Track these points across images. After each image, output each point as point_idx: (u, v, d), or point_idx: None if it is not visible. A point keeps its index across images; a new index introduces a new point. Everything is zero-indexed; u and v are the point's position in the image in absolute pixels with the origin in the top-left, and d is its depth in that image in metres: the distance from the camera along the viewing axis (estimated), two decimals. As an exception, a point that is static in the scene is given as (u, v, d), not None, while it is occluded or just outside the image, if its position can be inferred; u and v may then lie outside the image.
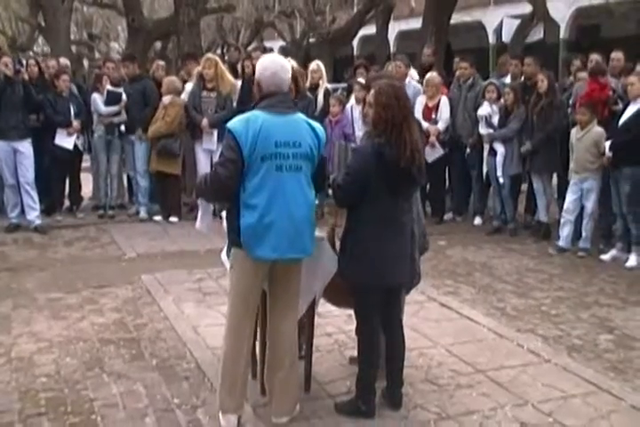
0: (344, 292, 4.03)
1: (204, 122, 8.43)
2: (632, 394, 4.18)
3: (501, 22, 18.93)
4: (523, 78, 8.49)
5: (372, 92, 3.76)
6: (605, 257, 7.11)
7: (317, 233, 4.11)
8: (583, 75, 8.10)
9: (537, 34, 18.16)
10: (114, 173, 9.12)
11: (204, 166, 8.82)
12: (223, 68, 8.66)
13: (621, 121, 6.72)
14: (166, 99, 8.56)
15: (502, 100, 8.11)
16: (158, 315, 5.55)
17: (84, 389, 4.27)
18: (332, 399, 4.10)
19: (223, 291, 6.08)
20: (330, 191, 4.04)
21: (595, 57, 8.26)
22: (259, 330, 4.05)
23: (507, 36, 17.47)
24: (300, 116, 3.71)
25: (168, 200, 8.92)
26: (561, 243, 7.37)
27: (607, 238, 7.47)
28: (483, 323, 5.34)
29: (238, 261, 3.72)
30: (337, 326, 5.20)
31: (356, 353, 4.60)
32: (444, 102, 8.45)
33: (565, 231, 7.35)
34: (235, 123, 3.58)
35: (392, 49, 26.23)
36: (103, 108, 8.79)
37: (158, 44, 22.60)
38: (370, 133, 3.80)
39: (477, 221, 8.81)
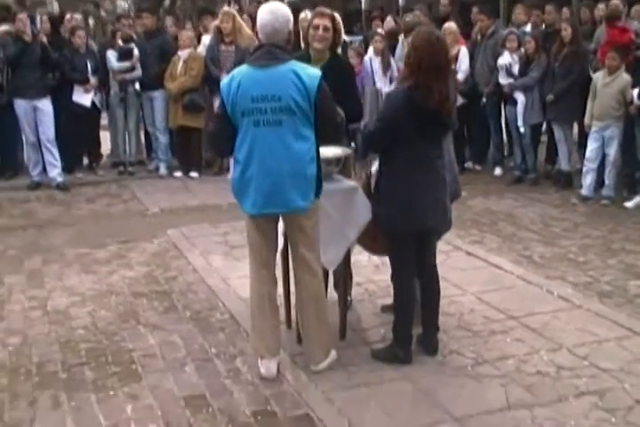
0: (377, 238, 4.05)
1: (223, 76, 8.31)
2: (667, 337, 4.21)
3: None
4: (543, 27, 8.34)
5: (410, 37, 3.72)
6: (629, 204, 7.08)
7: (350, 182, 4.13)
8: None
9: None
10: (131, 129, 9.09)
11: (222, 121, 8.77)
12: (241, 21, 8.55)
13: (648, 67, 6.62)
14: (185, 53, 8.47)
15: (522, 49, 7.99)
16: (187, 268, 5.60)
17: (122, 340, 4.34)
18: (368, 347, 4.15)
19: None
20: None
21: (614, 2, 8.10)
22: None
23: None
24: (289, 66, 3.55)
25: (188, 155, 8.90)
26: (584, 192, 7.34)
27: (630, 186, 7.42)
28: (510, 270, 5.35)
29: (244, 215, 3.82)
30: (366, 275, 5.23)
31: (387, 302, 4.70)
32: (464, 53, 8.32)
33: (588, 180, 7.31)
34: (224, 80, 3.70)
35: (400, 2, 25.72)
36: (115, 64, 8.72)
37: (167, 2, 22.28)
38: (402, 78, 3.76)
39: (497, 171, 8.77)
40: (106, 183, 8.77)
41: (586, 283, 5.12)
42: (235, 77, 3.62)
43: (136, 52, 8.66)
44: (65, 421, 3.46)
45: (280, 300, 4.13)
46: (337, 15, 4.30)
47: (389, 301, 4.69)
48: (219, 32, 8.45)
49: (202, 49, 8.75)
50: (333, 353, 3.95)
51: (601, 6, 8.55)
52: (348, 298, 4.70)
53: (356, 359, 4.01)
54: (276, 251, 3.94)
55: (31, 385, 3.82)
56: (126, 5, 30.01)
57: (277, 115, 3.54)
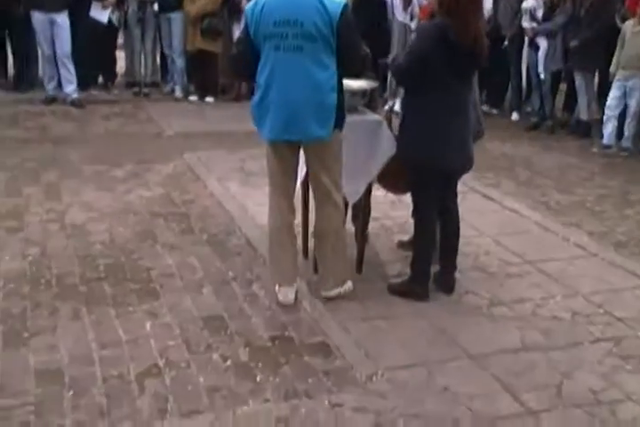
0: (401, 176, 4.03)
1: (245, 1, 8.14)
2: (682, 289, 4.24)
3: None
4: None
5: None
6: (648, 156, 7.04)
7: (375, 115, 4.07)
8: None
9: None
10: (148, 50, 8.92)
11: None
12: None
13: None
14: (206, -24, 8.24)
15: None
16: (204, 192, 5.59)
17: (140, 258, 4.36)
18: (384, 281, 4.18)
19: (266, 172, 6.06)
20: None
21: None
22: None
23: None
24: None
25: (205, 80, 8.77)
26: (605, 140, 7.27)
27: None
28: (527, 215, 5.36)
29: (264, 142, 3.79)
30: (383, 211, 5.23)
31: (403, 238, 4.72)
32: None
33: (609, 128, 7.23)
34: (250, 3, 3.61)
35: None
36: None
37: None
38: (434, 13, 3.65)
39: (515, 116, 8.69)
40: (120, 102, 8.66)
41: (602, 232, 5.13)
42: (260, 0, 3.54)
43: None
44: (86, 332, 3.50)
45: (298, 229, 4.13)
46: None
47: (406, 237, 4.73)
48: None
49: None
50: (349, 284, 3.98)
51: None
52: (366, 232, 4.70)
53: (372, 293, 4.04)
54: (296, 180, 3.90)
55: (52, 295, 3.85)
56: None
57: (298, 40, 3.45)
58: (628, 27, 6.94)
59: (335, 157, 3.74)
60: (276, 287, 3.90)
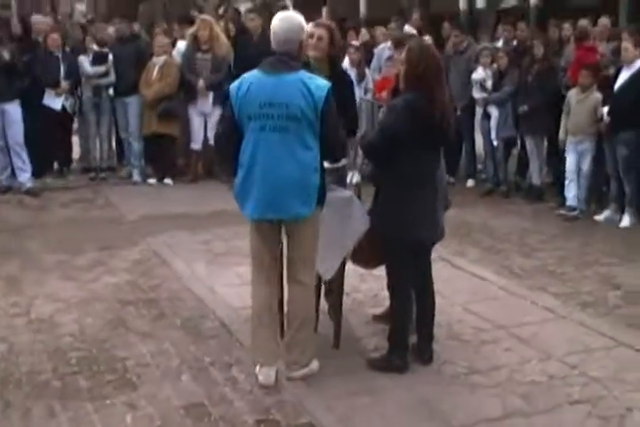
0: (371, 251, 4.11)
1: (201, 83, 8.37)
2: (650, 347, 4.33)
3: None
4: (515, 43, 8.55)
5: (405, 51, 3.79)
6: (599, 218, 7.25)
7: (347, 192, 4.18)
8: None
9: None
10: (104, 134, 9.01)
11: (197, 129, 8.79)
12: (218, 29, 8.55)
13: (617, 86, 6.80)
14: (160, 59, 8.43)
15: (495, 65, 8.17)
16: (171, 276, 5.57)
17: (113, 348, 4.29)
18: (362, 356, 4.18)
19: (233, 252, 6.12)
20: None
21: (582, 23, 8.34)
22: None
23: (481, 1, 17.45)
24: (299, 75, 3.61)
25: (163, 162, 8.85)
26: (569, 202, 7.39)
27: (599, 200, 7.61)
28: (494, 281, 5.46)
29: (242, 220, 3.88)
30: (352, 285, 5.24)
31: (376, 311, 4.75)
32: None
33: (573, 191, 7.35)
34: (234, 82, 3.77)
35: (363, 12, 25.93)
36: (89, 69, 8.62)
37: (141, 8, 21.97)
38: (402, 90, 3.82)
39: (470, 183, 8.91)
40: (78, 189, 8.64)
41: (567, 294, 5.24)
42: (245, 81, 3.68)
43: (110, 56, 8.58)
44: (63, 430, 3.41)
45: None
46: (334, 25, 4.34)
47: (379, 310, 4.77)
48: (195, 40, 8.45)
49: (176, 55, 8.72)
50: (315, 364, 3.94)
51: (566, 26, 8.76)
52: (341, 307, 4.72)
53: (351, 368, 4.03)
54: (277, 259, 3.94)
55: (23, 395, 3.75)
56: (84, 8, 29.62)
57: (284, 121, 3.58)
58: (572, 95, 7.25)
59: (313, 234, 3.82)
60: (257, 368, 3.86)
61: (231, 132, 3.72)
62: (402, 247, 3.85)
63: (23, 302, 5.03)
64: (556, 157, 8.15)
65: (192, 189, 8.62)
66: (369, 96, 8.26)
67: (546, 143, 8.40)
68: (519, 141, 8.36)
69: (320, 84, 3.61)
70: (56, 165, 9.27)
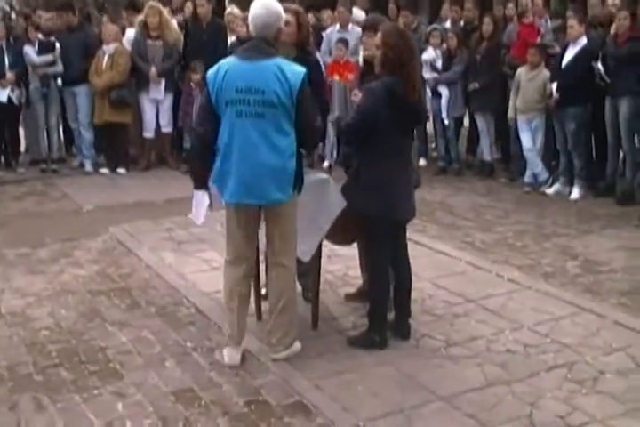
0: (345, 229, 4.19)
1: (153, 71, 8.28)
2: (612, 311, 4.53)
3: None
4: (462, 23, 8.69)
5: (379, 34, 3.85)
6: (549, 191, 7.48)
7: (322, 174, 4.24)
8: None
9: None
10: (53, 125, 8.80)
11: (149, 116, 8.69)
12: (167, 16, 8.45)
13: (564, 63, 7.00)
14: (111, 48, 8.28)
15: (445, 45, 8.30)
16: (139, 264, 5.54)
17: (92, 339, 4.28)
18: (341, 335, 4.27)
19: (196, 239, 6.13)
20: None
21: (524, 1, 8.51)
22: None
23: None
24: (275, 61, 3.63)
25: (115, 151, 8.73)
26: (528, 178, 7.64)
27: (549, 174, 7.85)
28: (458, 256, 5.60)
29: (224, 205, 3.88)
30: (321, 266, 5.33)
31: (348, 291, 4.85)
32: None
33: (538, 167, 7.53)
34: (210, 70, 3.77)
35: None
36: (36, 58, 8.40)
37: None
38: (379, 73, 3.88)
39: (422, 162, 9.04)
40: (29, 181, 8.45)
41: (529, 266, 5.42)
42: (221, 67, 3.69)
43: (58, 45, 8.39)
44: (54, 423, 3.40)
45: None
46: (301, 11, 4.37)
47: (351, 289, 4.86)
48: (145, 26, 8.33)
49: (126, 43, 8.60)
50: (297, 345, 4.01)
51: (510, 5, 8.93)
52: (318, 288, 4.79)
53: (332, 347, 4.12)
54: (255, 244, 3.98)
55: (7, 389, 3.73)
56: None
57: (260, 107, 3.59)
58: (521, 74, 7.40)
59: (291, 219, 3.86)
60: (223, 349, 3.93)
61: (210, 119, 3.73)
62: (383, 226, 3.95)
63: (-9, 297, 4.96)
64: (504, 134, 8.38)
65: (145, 178, 8.55)
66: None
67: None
68: (468, 120, 8.53)
69: (296, 70, 3.64)
70: (3, 159, 9.04)
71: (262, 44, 3.66)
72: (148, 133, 8.81)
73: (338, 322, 4.47)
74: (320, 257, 4.34)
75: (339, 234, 4.26)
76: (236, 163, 3.67)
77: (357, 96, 4.11)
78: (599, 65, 6.81)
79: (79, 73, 8.48)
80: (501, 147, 8.70)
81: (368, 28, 4.37)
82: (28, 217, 7.02)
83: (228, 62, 3.70)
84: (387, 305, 4.09)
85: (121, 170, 8.67)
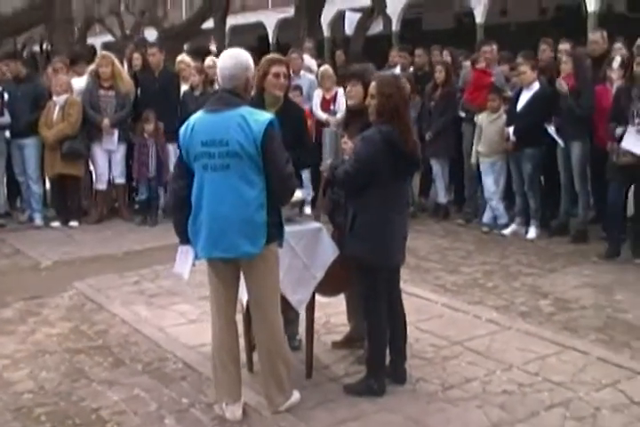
0: (335, 278, 4.23)
1: (106, 122, 8.20)
2: (593, 348, 4.66)
3: (343, 16, 19.49)
4: (412, 69, 8.97)
5: (375, 83, 3.95)
6: (506, 231, 7.69)
7: (315, 223, 4.28)
8: (467, 63, 8.67)
9: (377, 26, 19.10)
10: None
11: (101, 167, 8.59)
12: (119, 66, 8.43)
13: (519, 106, 7.29)
14: (61, 99, 8.17)
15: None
16: (114, 320, 5.40)
17: (81, 400, 4.13)
18: (335, 383, 4.26)
19: (166, 291, 6.04)
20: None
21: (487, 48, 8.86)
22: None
23: (349, 29, 18.09)
24: (239, 111, 3.58)
25: (68, 204, 8.55)
26: (487, 220, 7.86)
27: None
28: (433, 299, 5.68)
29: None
30: (302, 315, 5.31)
31: (333, 338, 4.85)
32: (341, 94, 8.68)
33: (500, 209, 7.75)
34: (183, 125, 3.78)
35: (227, 42, 26.20)
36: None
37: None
38: (374, 122, 3.96)
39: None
40: (-25, 237, 8.19)
41: (504, 306, 5.53)
42: (190, 122, 3.71)
43: (6, 96, 8.23)
44: (60, 490, 3.26)
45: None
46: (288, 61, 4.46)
47: (335, 337, 4.87)
48: (96, 76, 8.29)
49: (76, 92, 8.50)
50: (296, 395, 3.97)
51: (435, 52, 9.25)
52: (297, 337, 4.78)
53: (330, 396, 4.09)
54: (236, 298, 3.94)
55: (1, 459, 3.56)
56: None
57: (225, 159, 3.57)
58: (482, 118, 7.66)
59: (268, 271, 3.77)
60: (223, 405, 3.85)
61: (183, 176, 3.75)
62: (380, 272, 3.99)
63: (-38, 361, 4.74)
64: (457, 176, 8.62)
65: (99, 231, 8.38)
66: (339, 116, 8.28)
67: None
68: (424, 164, 8.73)
69: (260, 118, 3.58)
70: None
71: (228, 95, 3.65)
72: (101, 185, 8.68)
73: (330, 370, 4.45)
74: (313, 306, 4.34)
75: (329, 284, 4.28)
76: (206, 217, 3.66)
77: (347, 144, 4.17)
78: (552, 127, 7.12)
79: (27, 125, 8.31)
80: (455, 189, 8.93)
81: (353, 76, 4.44)
82: (-18, 275, 6.78)
83: (195, 117, 3.71)
84: (385, 352, 4.11)
85: (73, 223, 8.47)
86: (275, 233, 3.72)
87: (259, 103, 4.31)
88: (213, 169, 3.60)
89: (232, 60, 3.72)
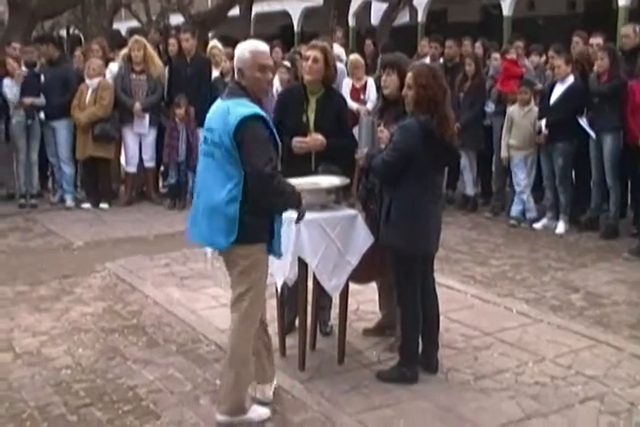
0: (369, 266, 4.25)
1: (137, 105, 8.26)
2: (627, 344, 4.66)
3: (369, 6, 19.39)
4: (442, 60, 8.94)
5: (411, 73, 3.95)
6: (537, 225, 7.68)
7: (350, 210, 4.30)
8: (496, 55, 8.62)
9: (404, 17, 19.03)
10: (34, 160, 8.66)
11: (132, 151, 8.65)
12: (151, 50, 8.47)
13: (552, 100, 7.26)
14: (94, 82, 8.23)
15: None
16: (147, 301, 5.47)
17: (117, 377, 4.20)
18: (367, 369, 4.29)
19: (197, 274, 6.09)
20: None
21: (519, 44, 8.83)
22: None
23: (375, 19, 18.01)
24: (230, 102, 3.51)
25: (98, 186, 8.63)
26: (516, 213, 7.82)
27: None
28: (464, 290, 5.69)
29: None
30: (334, 301, 5.34)
31: (364, 325, 4.88)
32: (371, 83, 8.69)
33: (531, 202, 7.76)
34: None
35: (251, 31, 26.08)
36: (17, 92, 8.28)
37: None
38: (412, 112, 3.98)
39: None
40: (9, 217, 8.26)
41: (534, 299, 5.53)
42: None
43: (42, 78, 8.30)
44: (100, 464, 3.32)
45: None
46: (329, 48, 4.44)
47: (365, 324, 4.90)
48: (128, 60, 8.34)
49: (109, 77, 8.57)
50: (256, 414, 3.69)
51: (466, 42, 9.18)
52: (329, 324, 4.82)
53: (363, 382, 4.13)
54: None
55: (43, 431, 3.63)
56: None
57: (211, 147, 3.56)
58: (514, 112, 7.63)
59: (245, 275, 3.59)
60: (255, 384, 3.86)
61: None
62: (416, 260, 4.01)
63: (1, 336, 4.81)
64: (484, 169, 8.60)
65: (129, 213, 8.46)
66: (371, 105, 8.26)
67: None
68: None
69: (239, 112, 3.43)
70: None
71: (235, 85, 3.64)
72: (131, 168, 8.76)
73: (362, 356, 4.49)
74: (347, 293, 4.38)
75: (362, 272, 4.30)
76: (194, 200, 3.73)
77: (384, 133, 4.18)
78: (584, 119, 7.08)
79: (58, 107, 8.39)
80: (481, 182, 8.91)
81: (388, 66, 4.42)
82: (16, 254, 6.86)
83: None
84: (418, 340, 4.13)
85: (104, 205, 8.56)
86: (258, 235, 3.55)
87: (300, 91, 4.32)
88: (204, 154, 3.63)
89: (236, 51, 3.68)
